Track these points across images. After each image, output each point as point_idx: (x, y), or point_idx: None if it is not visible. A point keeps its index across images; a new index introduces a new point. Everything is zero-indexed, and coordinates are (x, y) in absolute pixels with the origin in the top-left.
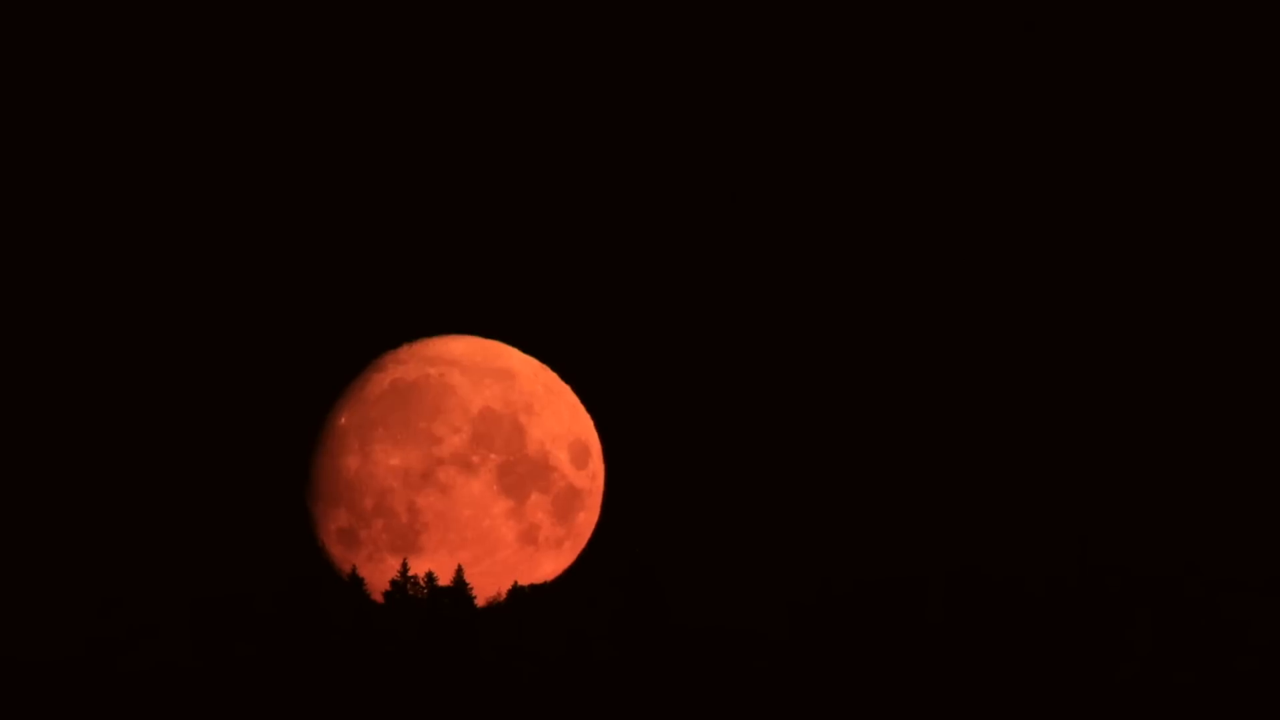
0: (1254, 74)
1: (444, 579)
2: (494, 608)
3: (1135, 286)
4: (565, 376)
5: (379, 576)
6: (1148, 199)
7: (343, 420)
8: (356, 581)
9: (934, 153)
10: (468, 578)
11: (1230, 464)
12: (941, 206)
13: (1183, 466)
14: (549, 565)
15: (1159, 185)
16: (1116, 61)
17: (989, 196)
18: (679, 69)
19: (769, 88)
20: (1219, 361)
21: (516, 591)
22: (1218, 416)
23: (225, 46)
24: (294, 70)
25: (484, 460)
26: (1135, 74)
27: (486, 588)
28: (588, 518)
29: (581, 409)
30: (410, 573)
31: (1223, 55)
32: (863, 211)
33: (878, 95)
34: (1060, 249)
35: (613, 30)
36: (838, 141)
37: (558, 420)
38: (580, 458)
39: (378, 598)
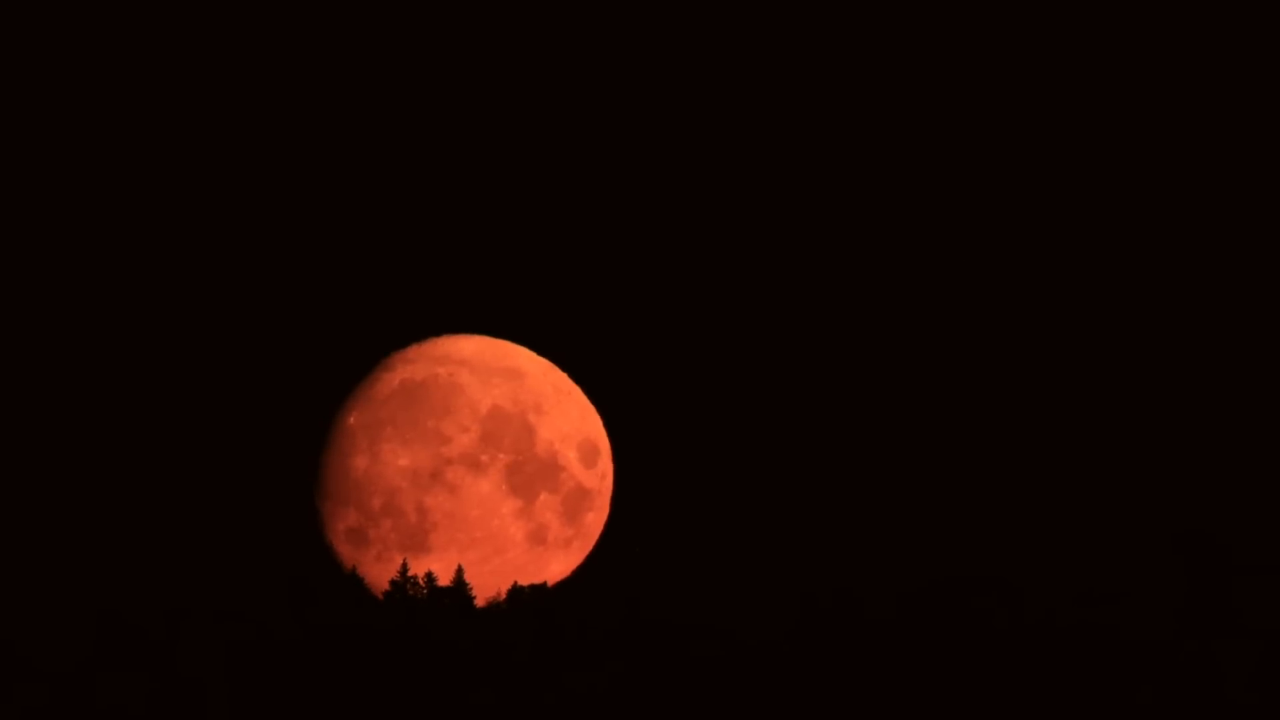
0: (1254, 74)
1: (452, 579)
2: (493, 608)
3: (1121, 294)
4: (574, 376)
5: (387, 576)
6: (1125, 213)
7: (351, 420)
8: (356, 581)
9: (934, 153)
10: (477, 577)
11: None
12: (943, 208)
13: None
14: (557, 565)
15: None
16: (1116, 61)
17: (988, 199)
18: (687, 69)
19: (773, 88)
20: (1214, 366)
21: (516, 592)
22: (1215, 417)
23: (230, 49)
24: (301, 71)
25: (493, 460)
26: (1135, 74)
27: (494, 588)
28: (596, 517)
29: (591, 408)
30: (410, 572)
31: (1223, 55)
32: (866, 212)
33: (878, 95)
34: (1055, 252)
35: (618, 31)
36: (840, 142)
37: (567, 420)
38: (589, 457)
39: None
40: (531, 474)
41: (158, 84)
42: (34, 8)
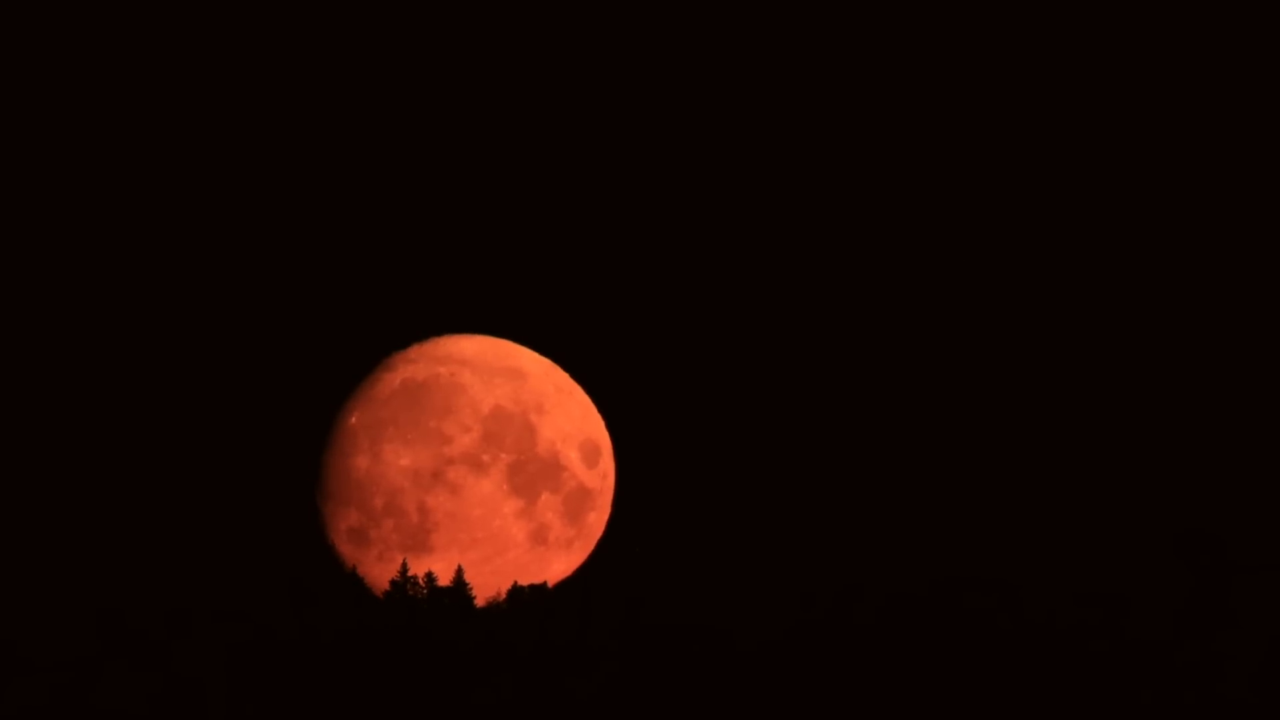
0: (1254, 74)
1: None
2: (493, 608)
3: (1124, 294)
4: (576, 376)
5: (389, 576)
6: (1130, 211)
7: (353, 420)
8: (356, 580)
9: (934, 154)
10: (478, 577)
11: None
12: (942, 209)
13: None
14: (559, 565)
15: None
16: (1117, 61)
17: (990, 199)
18: (687, 69)
19: (772, 88)
20: (1216, 367)
21: (516, 592)
22: (1219, 418)
23: (230, 49)
24: (302, 70)
25: (494, 460)
26: (1135, 74)
27: (495, 588)
28: (598, 517)
29: (592, 408)
30: (410, 572)
31: (1223, 55)
32: (866, 213)
33: (878, 95)
34: (1055, 253)
35: (617, 31)
36: (842, 142)
37: (568, 419)
38: (591, 457)
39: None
40: (533, 474)
41: (158, 84)
42: (34, 8)
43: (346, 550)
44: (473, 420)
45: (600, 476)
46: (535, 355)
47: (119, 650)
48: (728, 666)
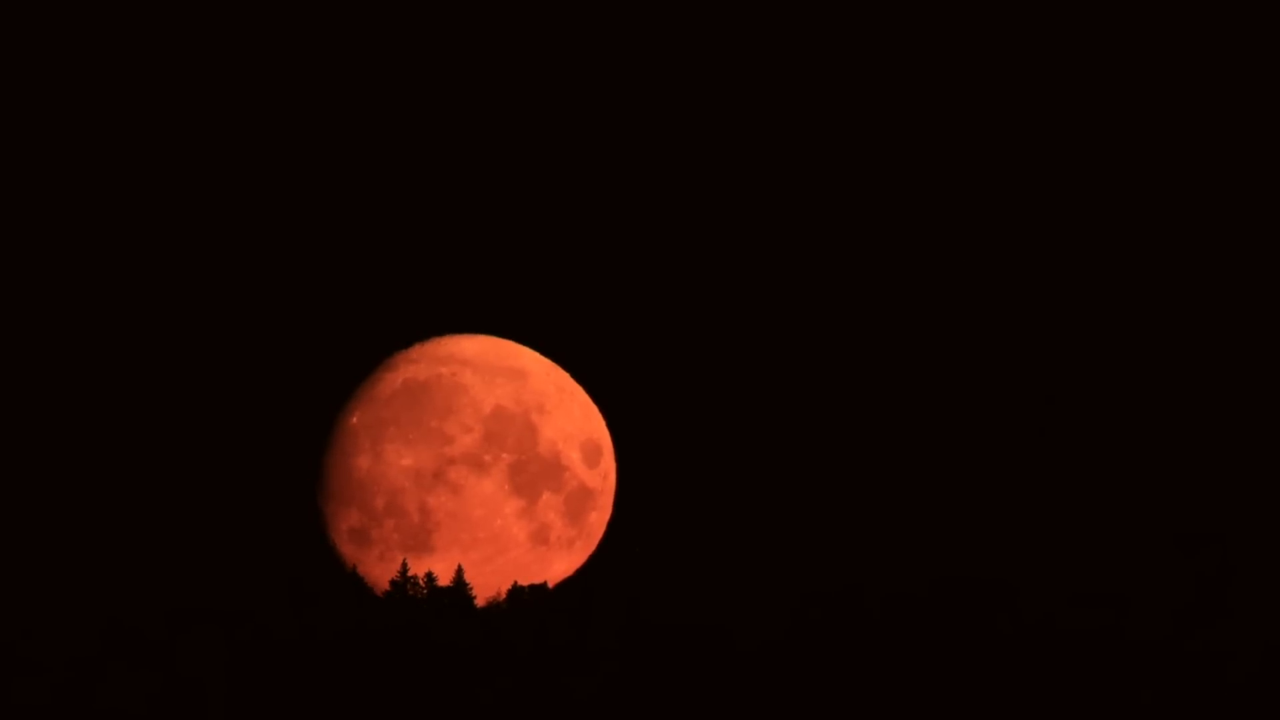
0: (1254, 74)
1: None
2: (493, 608)
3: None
4: (577, 376)
5: (390, 576)
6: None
7: (354, 420)
8: (356, 580)
9: (934, 154)
10: (479, 577)
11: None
12: (942, 209)
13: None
14: (560, 565)
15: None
16: (1117, 61)
17: (990, 200)
18: (687, 69)
19: (772, 88)
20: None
21: (516, 592)
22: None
23: (231, 49)
24: (302, 72)
25: (496, 460)
26: (1135, 74)
27: (497, 588)
28: (599, 517)
29: (593, 408)
30: (410, 572)
31: (1223, 55)
32: (866, 212)
33: (878, 95)
34: (1055, 253)
35: (618, 31)
36: (842, 142)
37: (570, 420)
38: (592, 457)
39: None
40: (534, 474)
41: (158, 84)
42: (34, 8)
43: (347, 550)
44: (474, 420)
45: (601, 476)
46: (536, 355)
47: (119, 650)
48: (728, 666)
